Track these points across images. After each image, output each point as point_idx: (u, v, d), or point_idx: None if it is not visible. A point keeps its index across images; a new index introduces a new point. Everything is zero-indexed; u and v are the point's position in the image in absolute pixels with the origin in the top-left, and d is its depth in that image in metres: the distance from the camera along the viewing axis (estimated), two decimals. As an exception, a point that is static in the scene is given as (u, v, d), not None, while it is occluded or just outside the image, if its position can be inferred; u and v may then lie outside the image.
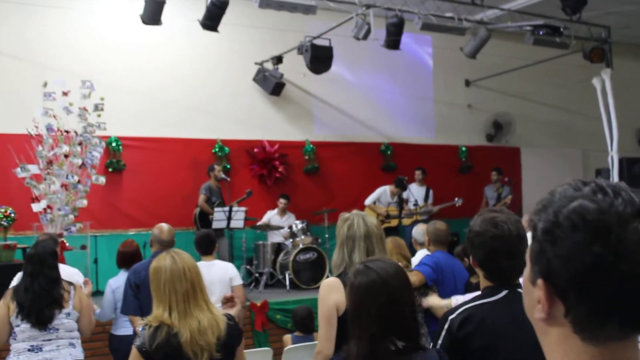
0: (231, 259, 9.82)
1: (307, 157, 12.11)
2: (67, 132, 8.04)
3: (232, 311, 3.87)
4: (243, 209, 9.31)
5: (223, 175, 10.04)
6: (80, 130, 8.19)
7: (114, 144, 10.62)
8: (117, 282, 6.28)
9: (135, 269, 5.53)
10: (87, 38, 10.63)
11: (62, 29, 10.47)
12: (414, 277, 5.15)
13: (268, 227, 10.67)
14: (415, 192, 11.74)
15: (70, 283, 5.02)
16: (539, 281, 1.21)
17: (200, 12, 11.07)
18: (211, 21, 8.34)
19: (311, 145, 12.09)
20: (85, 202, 8.20)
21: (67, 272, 5.95)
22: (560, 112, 14.32)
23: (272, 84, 11.37)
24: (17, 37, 10.14)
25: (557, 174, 13.89)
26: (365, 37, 9.27)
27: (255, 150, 11.63)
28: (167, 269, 3.45)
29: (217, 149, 11.34)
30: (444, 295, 5.26)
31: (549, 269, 1.17)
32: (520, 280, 2.71)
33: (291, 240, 10.51)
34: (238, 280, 6.47)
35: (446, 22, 9.71)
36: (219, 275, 6.27)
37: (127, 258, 6.43)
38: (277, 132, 11.90)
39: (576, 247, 1.12)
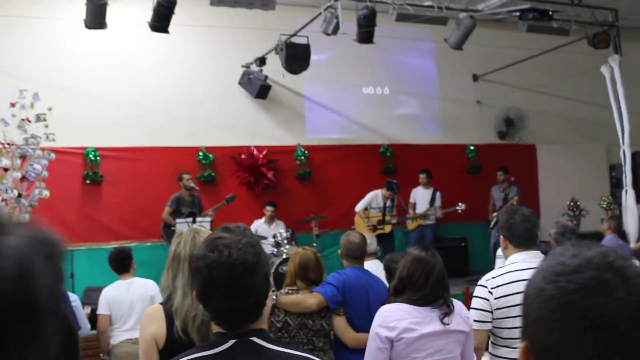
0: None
1: (298, 162, 11.55)
2: (9, 144, 7.71)
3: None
4: (208, 219, 8.82)
5: (192, 184, 9.56)
6: (21, 142, 7.83)
7: (91, 155, 10.29)
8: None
9: None
10: (64, 47, 10.35)
11: (38, 39, 10.22)
12: (312, 300, 4.46)
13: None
14: (421, 195, 11.10)
15: None
16: None
17: (185, 17, 10.75)
18: (160, 22, 7.91)
19: (302, 150, 11.52)
20: (27, 217, 7.84)
21: None
22: (579, 104, 13.33)
23: (257, 87, 10.88)
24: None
25: (578, 171, 12.99)
26: (335, 32, 8.70)
27: (243, 156, 11.14)
28: None
29: (201, 157, 10.89)
30: (355, 320, 4.60)
31: None
32: (262, 326, 2.08)
33: (275, 250, 9.96)
34: (160, 299, 5.98)
35: (425, 12, 9.02)
36: (139, 293, 5.79)
37: None
38: (266, 137, 11.39)
39: None
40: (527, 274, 3.68)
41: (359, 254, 4.91)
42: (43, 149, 8.21)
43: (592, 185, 12.73)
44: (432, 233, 11.28)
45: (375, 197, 10.63)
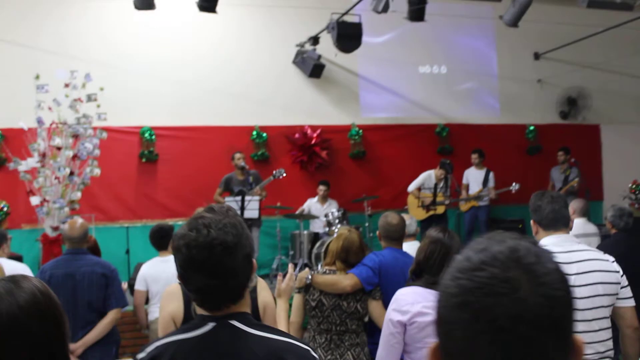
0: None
1: (352, 142, 11.48)
2: (62, 124, 7.89)
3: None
4: (257, 197, 8.83)
5: (243, 164, 9.58)
6: (73, 121, 8.00)
7: (146, 135, 10.48)
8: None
9: (43, 268, 5.18)
10: (121, 29, 10.51)
11: (94, 21, 10.42)
12: (347, 281, 4.35)
13: (302, 216, 10.16)
14: (474, 176, 10.91)
15: None
16: None
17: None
18: (208, 2, 7.91)
19: (357, 129, 11.44)
20: (79, 194, 8.03)
21: (13, 267, 5.67)
22: (648, 83, 12.80)
23: (310, 66, 10.84)
24: (49, 31, 10.16)
25: (644, 153, 12.49)
26: (385, 9, 8.54)
27: (296, 135, 11.14)
28: None
29: (254, 136, 10.94)
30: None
31: None
32: (244, 309, 2.04)
33: (327, 229, 9.95)
34: None
35: (479, -12, 8.79)
36: (174, 271, 5.83)
37: None
38: (321, 116, 11.35)
39: None
40: (558, 259, 3.46)
41: (397, 235, 4.80)
42: (95, 129, 8.36)
43: (659, 168, 12.25)
44: (486, 215, 11.07)
45: (428, 177, 10.48)
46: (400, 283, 4.52)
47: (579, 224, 7.10)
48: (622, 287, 3.43)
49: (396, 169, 11.50)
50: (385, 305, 4.47)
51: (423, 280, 3.42)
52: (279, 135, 11.11)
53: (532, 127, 12.41)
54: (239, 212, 8.69)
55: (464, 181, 11.10)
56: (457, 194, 10.66)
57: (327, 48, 10.65)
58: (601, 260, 3.43)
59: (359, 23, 9.62)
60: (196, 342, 1.90)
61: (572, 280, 3.24)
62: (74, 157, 7.92)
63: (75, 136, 7.97)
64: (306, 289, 4.45)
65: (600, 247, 6.22)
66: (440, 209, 10.36)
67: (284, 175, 9.42)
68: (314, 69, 10.83)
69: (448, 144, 11.91)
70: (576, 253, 3.41)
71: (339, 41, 9.51)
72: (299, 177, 11.11)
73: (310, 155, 11.10)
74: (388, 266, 4.59)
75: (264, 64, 11.16)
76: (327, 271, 4.53)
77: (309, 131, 11.14)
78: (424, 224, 10.51)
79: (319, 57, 10.78)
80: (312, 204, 10.56)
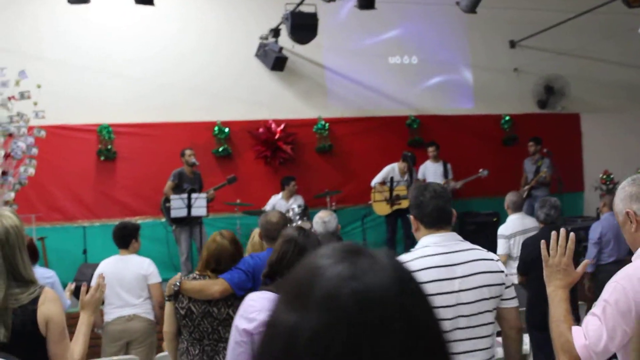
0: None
1: (318, 136, 11.17)
2: (-7, 123, 7.69)
3: None
4: (204, 195, 8.59)
5: (194, 160, 9.32)
6: (5, 119, 7.78)
7: (104, 132, 10.25)
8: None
9: None
10: (77, 23, 10.27)
11: (51, 16, 10.20)
12: (216, 287, 4.03)
13: (262, 213, 9.88)
14: (432, 169, 10.56)
15: None
16: None
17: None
18: (145, -7, 7.63)
19: (323, 122, 11.13)
20: (12, 194, 7.81)
21: None
22: (627, 69, 12.31)
23: (272, 59, 10.54)
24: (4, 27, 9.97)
25: (627, 142, 12.06)
26: (333, -2, 8.24)
27: (260, 130, 10.86)
28: None
29: (216, 131, 10.68)
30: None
31: None
32: None
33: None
34: (154, 279, 5.87)
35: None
36: (131, 271, 5.77)
37: None
38: (286, 110, 11.05)
39: None
40: (442, 260, 3.09)
41: (277, 234, 4.54)
42: (31, 127, 8.13)
43: (640, 156, 11.83)
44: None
45: (392, 170, 10.18)
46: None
47: (515, 219, 6.79)
48: (506, 287, 3.19)
49: (365, 163, 11.14)
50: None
51: (275, 284, 3.15)
52: (241, 130, 10.83)
53: (507, 117, 12.02)
54: (186, 209, 8.46)
55: (421, 176, 10.67)
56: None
57: (290, 40, 10.37)
58: (486, 260, 3.18)
59: (314, 13, 9.32)
60: None
61: (458, 284, 3.04)
62: (7, 156, 7.70)
63: (10, 135, 7.75)
64: (175, 296, 4.17)
65: (523, 244, 5.94)
66: (404, 203, 10.04)
67: (234, 181, 9.28)
68: (276, 62, 10.54)
69: (419, 136, 11.56)
70: (460, 254, 3.13)
71: (293, 32, 9.23)
72: (263, 173, 10.84)
73: (274, 150, 10.82)
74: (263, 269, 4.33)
75: (225, 58, 10.89)
76: (197, 277, 4.24)
77: (272, 126, 10.86)
78: (389, 219, 10.24)
79: (281, 49, 10.48)
80: (276, 201, 10.27)
